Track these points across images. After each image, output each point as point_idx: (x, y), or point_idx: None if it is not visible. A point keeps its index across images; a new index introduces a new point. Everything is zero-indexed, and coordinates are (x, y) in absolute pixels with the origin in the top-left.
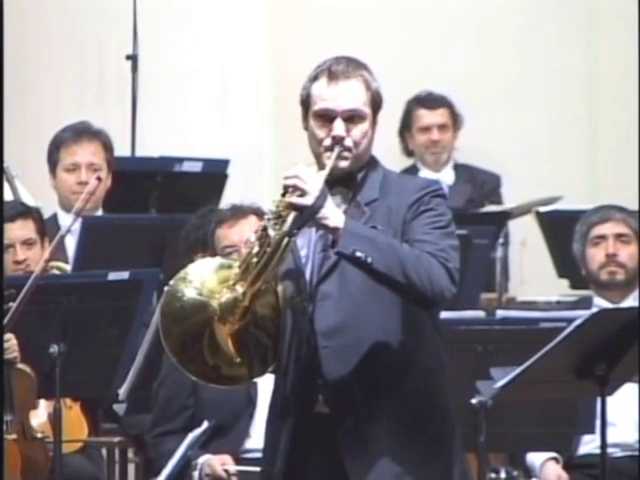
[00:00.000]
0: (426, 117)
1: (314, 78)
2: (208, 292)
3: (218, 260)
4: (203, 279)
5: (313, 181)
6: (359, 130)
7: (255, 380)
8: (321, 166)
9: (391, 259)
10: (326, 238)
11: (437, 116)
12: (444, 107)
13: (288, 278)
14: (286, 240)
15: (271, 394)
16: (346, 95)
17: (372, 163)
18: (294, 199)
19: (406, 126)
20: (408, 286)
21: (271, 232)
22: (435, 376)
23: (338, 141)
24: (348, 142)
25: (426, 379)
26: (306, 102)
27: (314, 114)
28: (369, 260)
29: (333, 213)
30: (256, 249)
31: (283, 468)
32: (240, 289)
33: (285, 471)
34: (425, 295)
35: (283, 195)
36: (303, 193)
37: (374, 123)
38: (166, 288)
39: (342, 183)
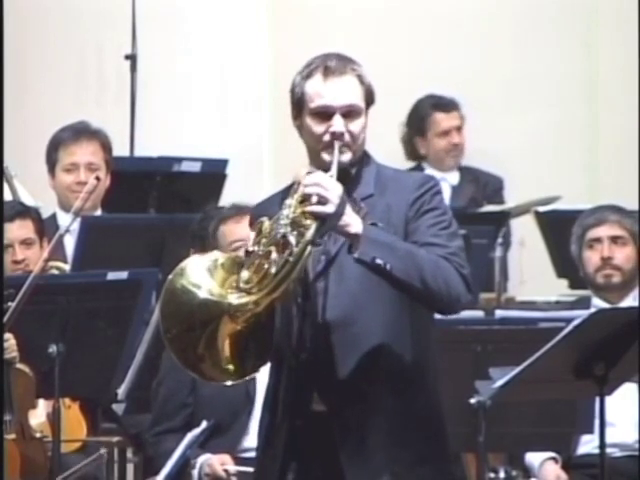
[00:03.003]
0: (444, 121)
1: (307, 75)
2: (215, 292)
3: (207, 256)
4: (203, 276)
5: (334, 188)
6: (357, 125)
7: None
8: (317, 162)
9: (410, 266)
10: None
11: (453, 119)
12: (456, 110)
13: None
14: (309, 249)
15: (265, 391)
16: (343, 91)
17: (365, 158)
18: (317, 208)
19: (417, 128)
20: (426, 293)
21: (292, 240)
22: (433, 374)
23: (338, 137)
24: (347, 138)
25: (425, 377)
26: (300, 100)
27: (311, 112)
28: (388, 267)
29: (353, 220)
30: (274, 256)
31: (278, 468)
32: (253, 296)
33: (281, 471)
34: (442, 302)
35: (300, 202)
36: (325, 201)
37: (367, 117)
38: (165, 286)
39: (336, 179)
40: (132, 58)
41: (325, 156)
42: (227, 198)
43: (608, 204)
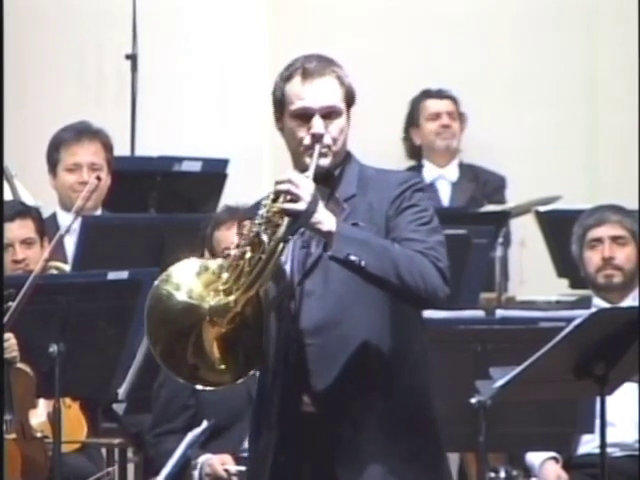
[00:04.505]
0: (435, 105)
1: (287, 78)
2: (196, 295)
3: (198, 261)
4: (188, 281)
5: (306, 186)
6: (336, 126)
7: (236, 382)
8: (300, 165)
9: (384, 261)
10: (307, 235)
11: (444, 105)
12: (449, 99)
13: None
14: (280, 246)
15: (255, 394)
16: (322, 92)
17: (348, 158)
18: (288, 205)
19: (412, 121)
20: (402, 288)
21: (264, 238)
22: (422, 373)
23: (317, 139)
24: (327, 139)
25: (414, 376)
26: (281, 102)
27: (291, 114)
28: (362, 263)
29: (326, 217)
30: (249, 255)
31: (269, 469)
32: (232, 296)
33: (272, 472)
34: (419, 296)
35: (274, 200)
36: (297, 199)
37: (348, 118)
38: (150, 292)
39: (319, 180)
40: (132, 58)
41: (307, 159)
42: (227, 198)
43: (608, 204)
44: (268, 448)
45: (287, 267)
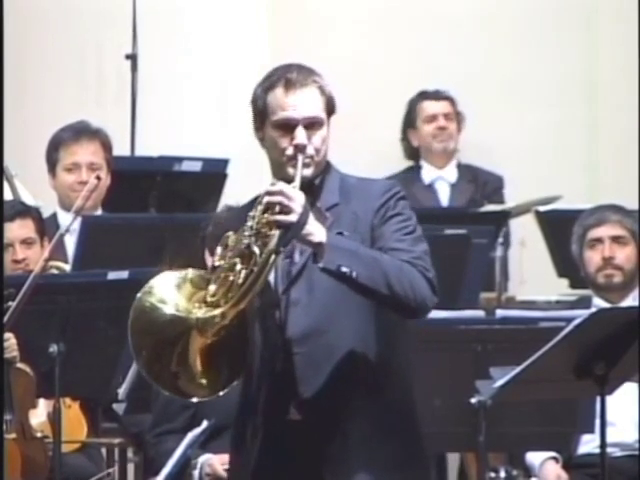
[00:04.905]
0: (431, 107)
1: (268, 88)
2: (182, 308)
3: (175, 274)
4: (170, 293)
5: (298, 198)
6: (319, 137)
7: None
8: (281, 175)
9: (375, 272)
10: (290, 244)
11: (441, 106)
12: (447, 100)
13: None
14: (272, 258)
15: (239, 403)
16: (305, 103)
17: (328, 168)
18: (280, 217)
19: (409, 122)
20: (392, 298)
21: (256, 250)
22: (407, 379)
23: (301, 149)
24: (310, 150)
25: (399, 381)
26: (262, 112)
27: (273, 124)
28: (354, 275)
29: (316, 229)
30: (239, 267)
31: (251, 473)
32: (219, 309)
33: (254, 475)
34: (408, 305)
35: (263, 212)
36: (289, 211)
37: (329, 127)
38: (133, 304)
39: (300, 190)
40: (132, 58)
41: (290, 170)
42: (227, 198)
43: (609, 204)
44: (251, 454)
45: (271, 277)
